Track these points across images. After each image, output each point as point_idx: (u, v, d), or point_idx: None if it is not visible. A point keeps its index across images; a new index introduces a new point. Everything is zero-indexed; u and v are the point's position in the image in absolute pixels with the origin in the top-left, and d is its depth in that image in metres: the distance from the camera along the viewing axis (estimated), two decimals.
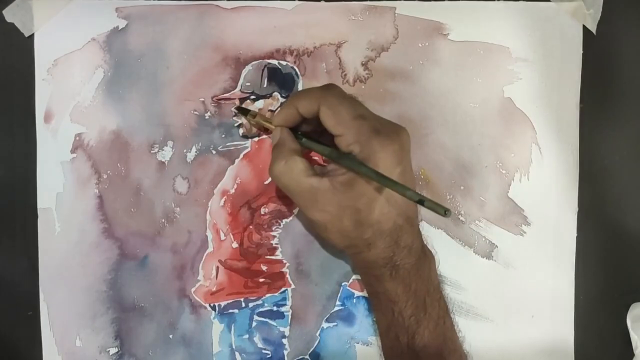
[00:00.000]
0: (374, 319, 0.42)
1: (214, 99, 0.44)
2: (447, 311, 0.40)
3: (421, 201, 0.33)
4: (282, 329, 0.44)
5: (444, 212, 0.33)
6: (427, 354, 0.38)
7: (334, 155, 0.38)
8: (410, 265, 0.38)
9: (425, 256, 0.39)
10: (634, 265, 0.45)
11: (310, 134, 0.40)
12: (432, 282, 0.39)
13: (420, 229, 0.40)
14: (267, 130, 0.43)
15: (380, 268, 0.38)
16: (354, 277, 0.44)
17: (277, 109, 0.43)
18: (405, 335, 0.38)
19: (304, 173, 0.37)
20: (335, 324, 0.44)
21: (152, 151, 0.44)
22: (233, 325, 0.44)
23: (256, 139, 0.44)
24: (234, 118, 0.44)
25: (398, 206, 0.37)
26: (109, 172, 0.44)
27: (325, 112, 0.37)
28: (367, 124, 0.37)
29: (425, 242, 0.40)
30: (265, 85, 0.44)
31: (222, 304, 0.44)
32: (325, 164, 0.42)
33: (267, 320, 0.44)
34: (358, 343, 0.44)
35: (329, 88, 0.39)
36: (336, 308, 0.44)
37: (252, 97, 0.44)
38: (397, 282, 0.38)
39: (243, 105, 0.43)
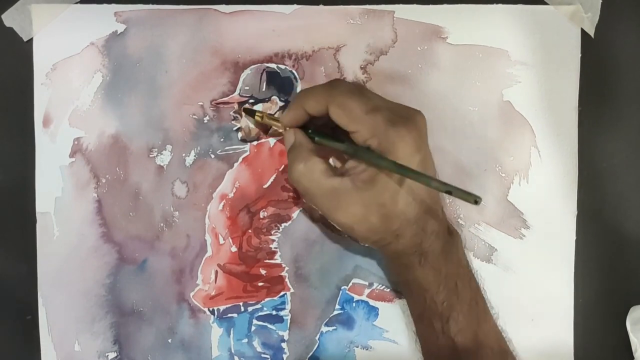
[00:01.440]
0: (407, 305, 0.42)
1: (212, 103, 0.44)
2: (479, 291, 0.39)
3: (449, 191, 0.32)
4: (281, 333, 0.44)
5: (474, 200, 0.31)
6: (462, 338, 0.37)
7: (351, 151, 0.37)
8: (439, 249, 0.37)
9: (452, 237, 0.38)
10: (634, 268, 0.45)
11: (321, 128, 0.40)
12: (462, 264, 0.38)
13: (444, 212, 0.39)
14: (266, 132, 0.43)
15: (409, 256, 0.37)
16: (353, 281, 0.44)
17: (276, 113, 0.43)
18: (439, 322, 0.37)
19: (324, 174, 0.36)
20: (334, 327, 0.44)
21: (150, 155, 0.44)
22: (232, 329, 0.44)
23: (255, 142, 0.44)
24: (233, 122, 0.44)
25: (421, 193, 0.36)
26: (107, 176, 0.44)
27: (335, 112, 0.36)
28: (381, 116, 0.35)
29: (449, 222, 0.39)
30: (264, 89, 0.44)
31: (221, 308, 0.44)
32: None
33: (266, 324, 0.44)
34: (357, 347, 0.44)
35: (335, 85, 0.38)
36: (335, 312, 0.44)
37: (251, 101, 0.44)
38: (427, 268, 0.37)
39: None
